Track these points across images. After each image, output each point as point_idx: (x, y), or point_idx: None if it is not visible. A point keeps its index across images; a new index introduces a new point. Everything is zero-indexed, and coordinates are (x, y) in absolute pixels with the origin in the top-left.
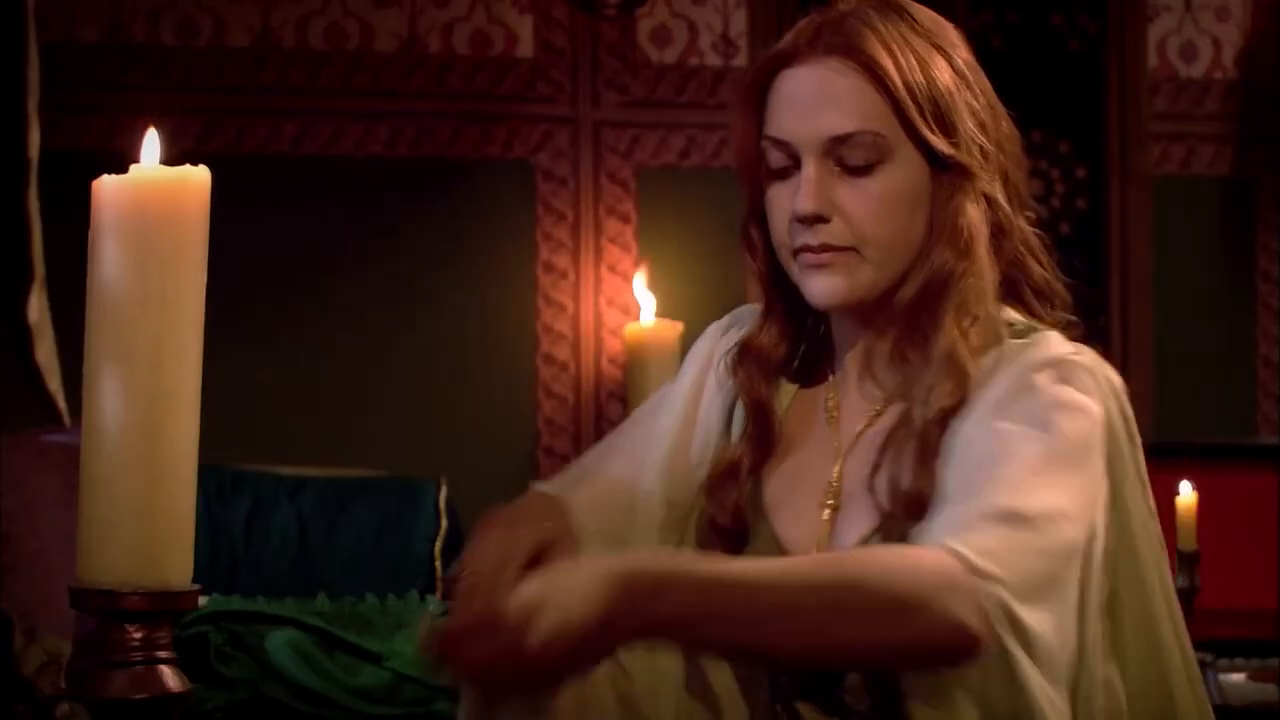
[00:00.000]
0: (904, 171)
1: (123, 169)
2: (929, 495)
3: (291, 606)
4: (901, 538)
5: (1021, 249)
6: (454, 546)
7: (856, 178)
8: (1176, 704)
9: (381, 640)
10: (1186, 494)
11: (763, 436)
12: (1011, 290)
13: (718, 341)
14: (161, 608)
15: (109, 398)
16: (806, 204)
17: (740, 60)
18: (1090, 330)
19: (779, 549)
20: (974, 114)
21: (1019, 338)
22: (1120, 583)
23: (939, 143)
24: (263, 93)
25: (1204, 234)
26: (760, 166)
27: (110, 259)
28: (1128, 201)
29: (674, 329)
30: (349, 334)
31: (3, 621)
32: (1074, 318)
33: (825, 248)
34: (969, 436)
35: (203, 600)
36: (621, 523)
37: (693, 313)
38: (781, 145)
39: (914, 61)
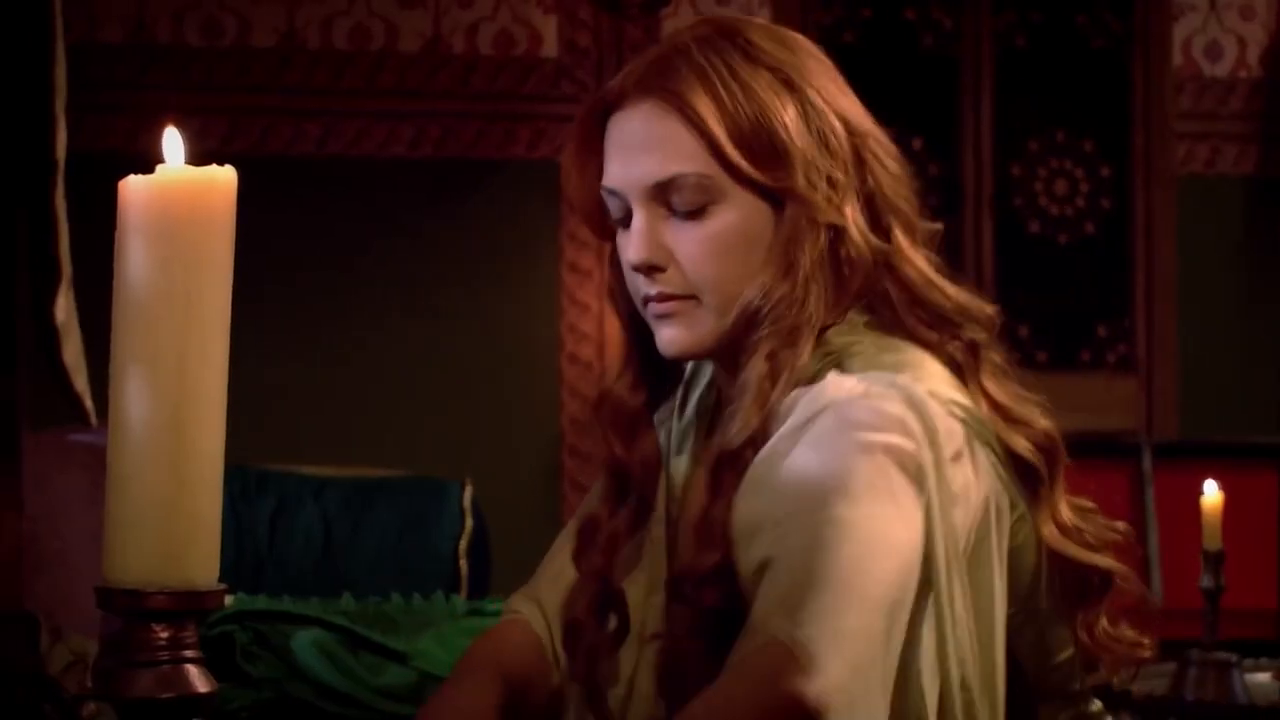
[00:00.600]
0: (737, 211)
1: (148, 169)
2: (717, 528)
3: (316, 606)
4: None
5: (903, 269)
6: (478, 546)
7: (687, 221)
8: None
9: (407, 640)
10: (1212, 493)
11: (621, 492)
12: (885, 313)
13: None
14: (187, 607)
15: (135, 397)
16: (636, 253)
17: None
18: (1112, 330)
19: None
20: (821, 140)
21: (835, 366)
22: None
23: (765, 179)
24: (287, 93)
25: (1229, 233)
26: (605, 213)
27: (136, 259)
28: (1152, 201)
29: None
30: (374, 334)
31: (28, 621)
32: (979, 336)
33: (664, 296)
34: (759, 480)
35: (228, 600)
36: None
37: None
38: (613, 194)
39: (737, 91)
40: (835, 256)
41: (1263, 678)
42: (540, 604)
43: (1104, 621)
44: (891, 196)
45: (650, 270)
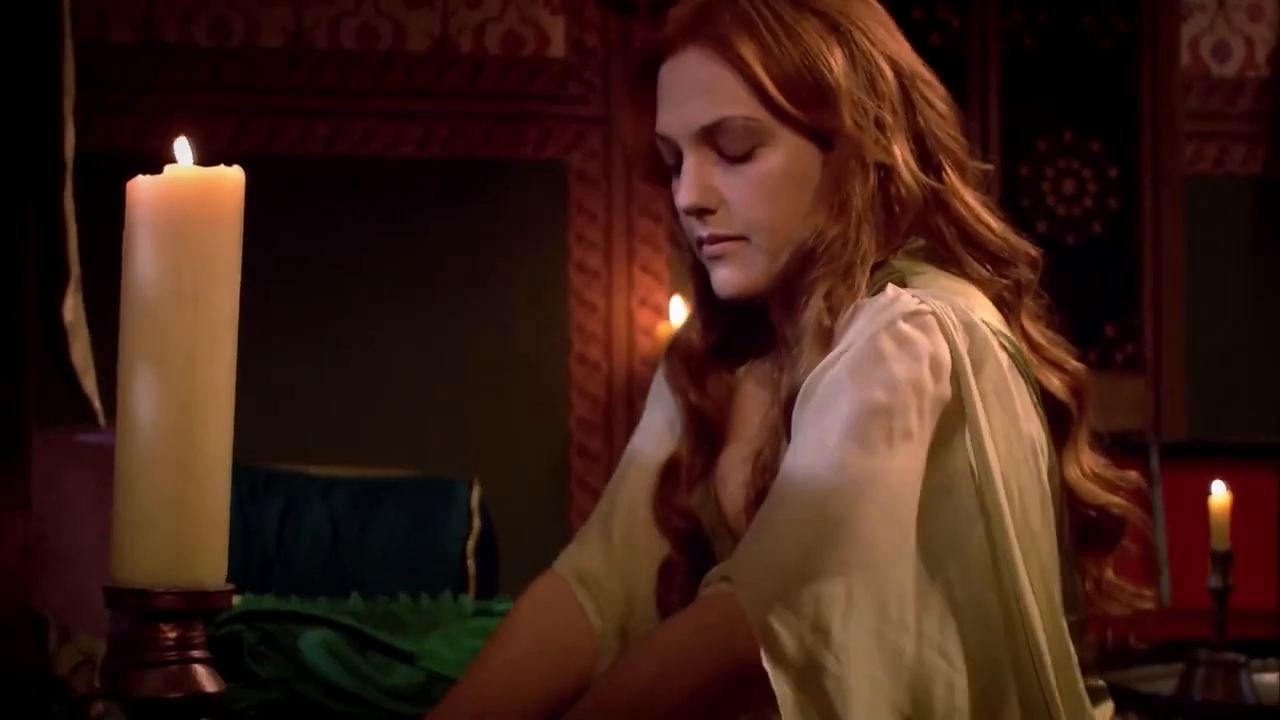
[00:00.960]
0: (785, 153)
1: (156, 169)
2: None
3: (324, 606)
4: None
5: (955, 206)
6: (486, 547)
7: (736, 164)
8: (1003, 676)
9: (415, 640)
10: (1220, 494)
11: (700, 434)
12: (938, 249)
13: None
14: (195, 607)
15: (143, 397)
16: (686, 196)
17: None
18: (1120, 330)
19: (726, 532)
20: (868, 81)
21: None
22: (936, 536)
23: (811, 120)
24: (295, 93)
25: (1236, 233)
26: (659, 161)
27: (144, 259)
28: (1160, 201)
29: None
30: (381, 334)
31: (37, 621)
32: (1025, 276)
33: (715, 238)
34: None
35: (236, 600)
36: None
37: None
38: (665, 140)
39: (780, 33)
40: (885, 195)
41: (1270, 678)
42: (577, 564)
43: (1109, 571)
44: (941, 136)
45: (700, 213)
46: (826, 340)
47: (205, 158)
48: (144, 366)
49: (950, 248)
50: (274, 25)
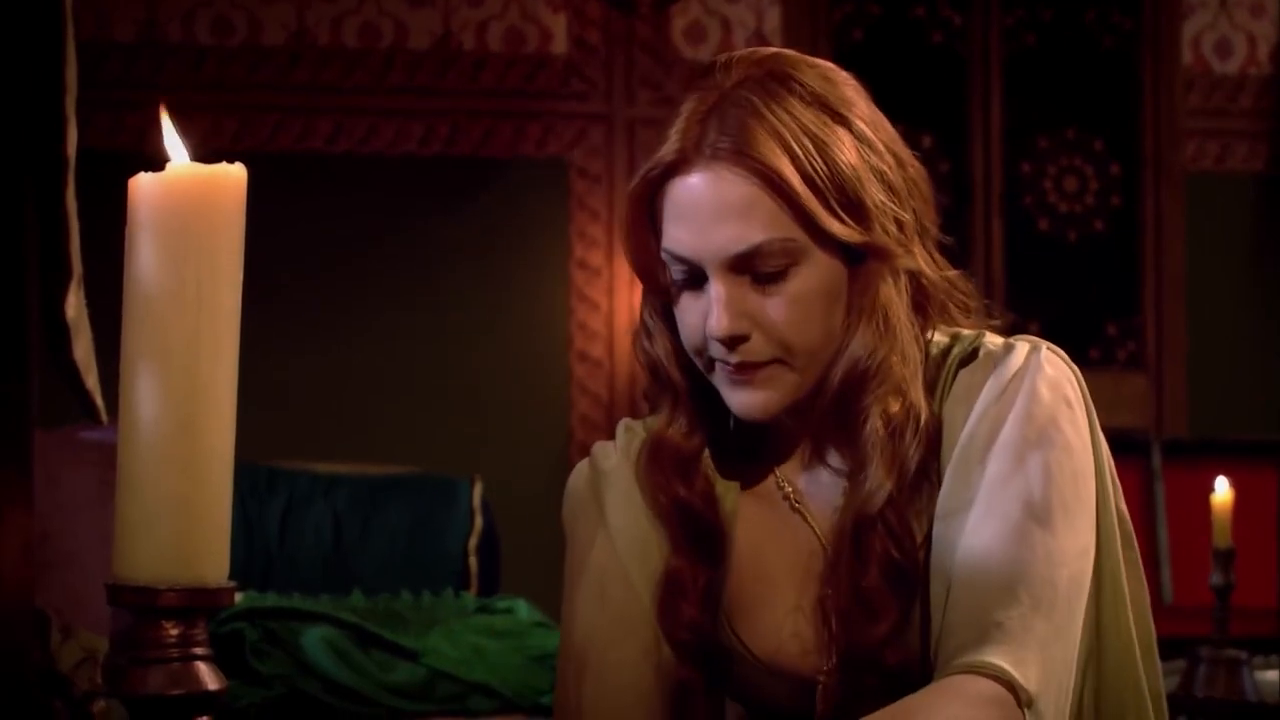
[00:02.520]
0: (819, 270)
1: (158, 166)
2: (877, 595)
3: (327, 603)
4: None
5: (945, 298)
6: (488, 544)
7: (770, 285)
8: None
9: (417, 637)
10: (1222, 491)
11: (696, 539)
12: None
13: (596, 490)
14: (198, 604)
15: (145, 395)
16: (722, 326)
17: None
18: (1122, 328)
19: (753, 662)
20: (883, 181)
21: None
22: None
23: (850, 234)
24: (297, 90)
25: (1238, 230)
26: (663, 271)
27: (146, 257)
28: (1162, 198)
29: None
30: (383, 331)
31: (39, 618)
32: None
33: (747, 366)
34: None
35: (238, 597)
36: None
37: None
38: (682, 261)
39: (810, 146)
40: (915, 295)
41: (1272, 675)
42: None
43: None
44: (927, 223)
45: (734, 341)
46: (892, 460)
47: (207, 155)
48: (146, 364)
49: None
50: (276, 23)
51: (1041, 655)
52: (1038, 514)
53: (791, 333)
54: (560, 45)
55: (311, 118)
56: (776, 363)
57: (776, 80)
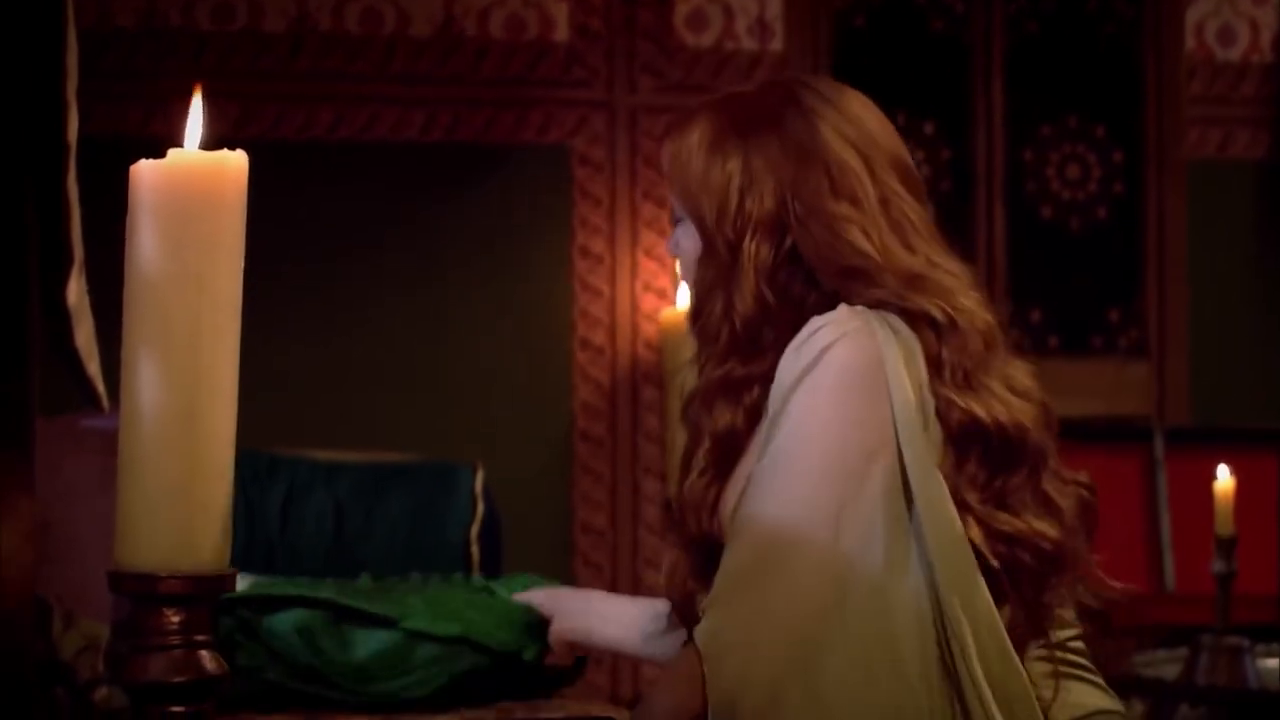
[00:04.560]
0: (689, 235)
1: (159, 153)
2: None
3: (304, 585)
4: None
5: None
6: (490, 532)
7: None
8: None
9: (395, 605)
10: (1224, 478)
11: None
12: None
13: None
14: (199, 591)
15: (147, 382)
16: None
17: (776, 44)
18: (1124, 315)
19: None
20: (741, 200)
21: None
22: None
23: (699, 223)
24: (298, 78)
25: (1240, 218)
26: None
27: (148, 243)
28: (1164, 185)
29: None
30: (385, 318)
31: (41, 606)
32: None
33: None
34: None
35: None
36: None
37: None
38: None
39: (692, 157)
40: (729, 294)
41: (1274, 663)
42: None
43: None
44: (823, 246)
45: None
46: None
47: (210, 142)
48: (147, 351)
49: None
50: (277, 9)
51: (728, 612)
52: (757, 480)
53: (682, 271)
54: (562, 32)
55: (313, 105)
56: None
57: (721, 103)
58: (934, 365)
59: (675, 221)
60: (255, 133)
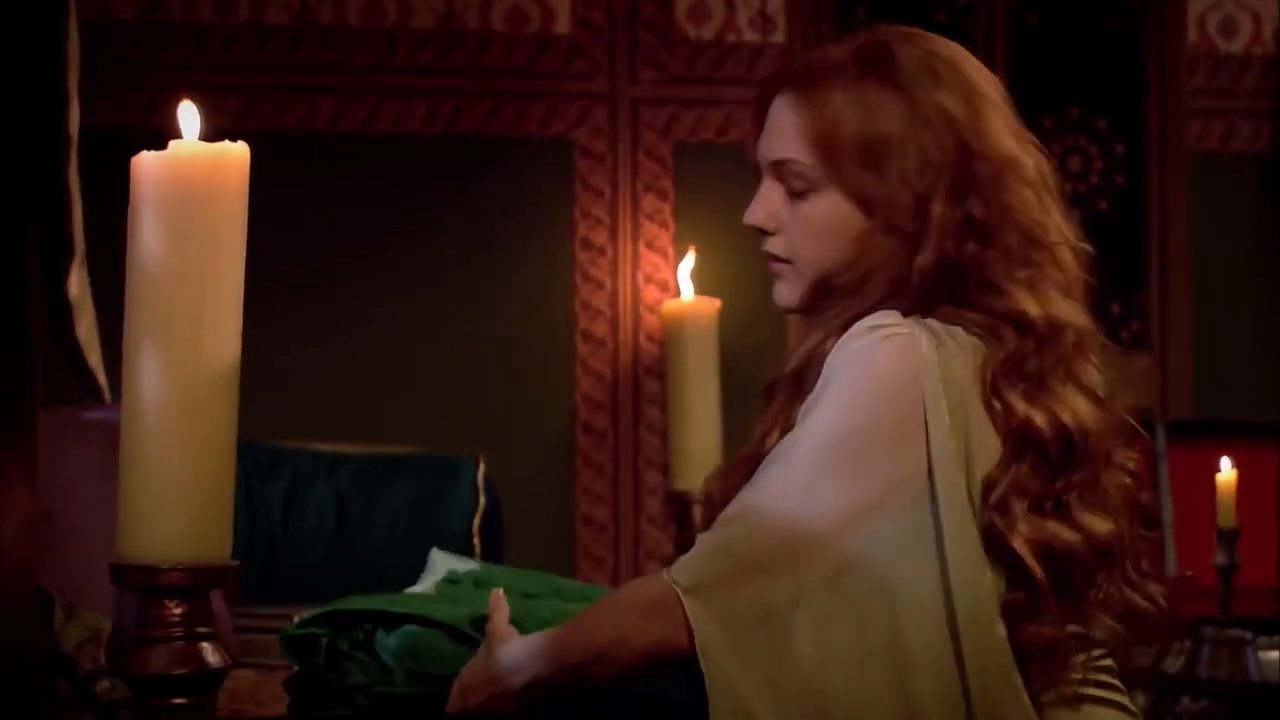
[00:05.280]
0: (830, 202)
1: (162, 146)
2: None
3: (416, 601)
4: None
5: (966, 278)
6: (492, 524)
7: (795, 200)
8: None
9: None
10: (1226, 471)
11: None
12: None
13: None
14: (201, 583)
15: (148, 374)
16: (749, 215)
17: (778, 36)
18: (1126, 308)
19: None
20: (921, 161)
21: None
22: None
23: (861, 182)
24: (300, 69)
25: (1243, 210)
26: None
27: (149, 235)
28: (1166, 178)
29: (711, 305)
30: (386, 310)
31: (43, 598)
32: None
33: (770, 256)
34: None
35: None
36: None
37: (730, 289)
38: (754, 163)
39: (853, 108)
40: (909, 262)
41: (1276, 655)
42: None
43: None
44: (998, 220)
45: (759, 232)
46: (804, 356)
47: (211, 134)
48: (149, 342)
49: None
50: (279, 2)
51: (712, 558)
52: (785, 454)
53: (799, 244)
54: (564, 25)
55: (315, 97)
56: (790, 264)
57: (870, 53)
58: (1005, 365)
59: (795, 191)
60: (256, 125)
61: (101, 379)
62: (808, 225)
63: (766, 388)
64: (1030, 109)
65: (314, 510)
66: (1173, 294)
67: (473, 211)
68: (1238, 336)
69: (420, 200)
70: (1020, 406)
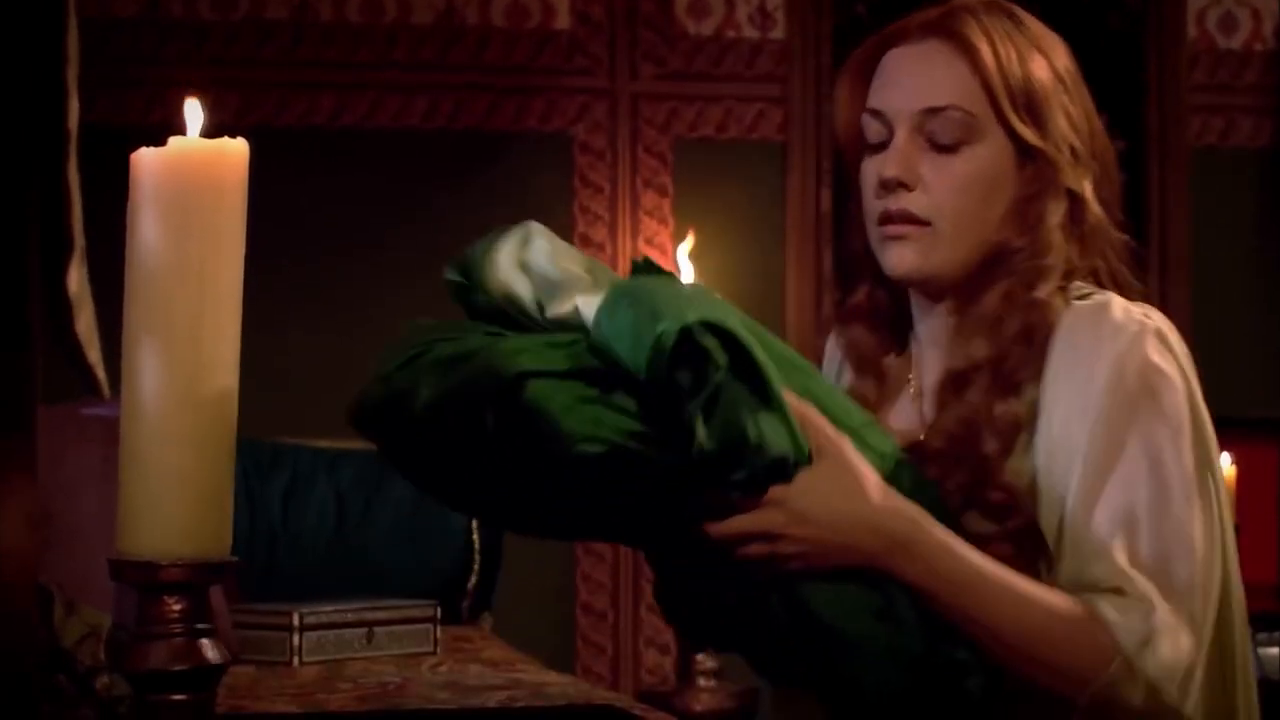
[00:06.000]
0: (989, 155)
1: (161, 142)
2: (992, 432)
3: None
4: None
5: (1106, 249)
6: None
7: (943, 154)
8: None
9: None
10: (1226, 468)
11: (876, 384)
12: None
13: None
14: (200, 579)
15: (148, 370)
16: (891, 168)
17: (778, 33)
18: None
19: None
20: (1067, 115)
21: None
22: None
23: (1026, 131)
24: (300, 66)
25: (1243, 206)
26: (860, 142)
27: (149, 231)
28: (1166, 174)
29: None
30: (386, 307)
31: (42, 594)
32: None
33: (904, 215)
34: (1065, 428)
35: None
36: None
37: (729, 284)
38: (879, 116)
39: (1012, 53)
40: (1075, 222)
41: (1275, 652)
42: None
43: None
44: (1107, 186)
45: (899, 185)
46: (995, 336)
47: (211, 130)
48: (149, 339)
49: (1099, 281)
50: None
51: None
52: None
53: (948, 201)
54: (563, 20)
55: (315, 93)
56: (927, 226)
57: (999, 8)
58: None
59: (944, 144)
60: (256, 120)
61: (101, 375)
62: (962, 179)
63: (955, 376)
64: None
65: (314, 507)
66: (1173, 291)
67: (472, 207)
68: (1238, 333)
69: (420, 196)
70: None
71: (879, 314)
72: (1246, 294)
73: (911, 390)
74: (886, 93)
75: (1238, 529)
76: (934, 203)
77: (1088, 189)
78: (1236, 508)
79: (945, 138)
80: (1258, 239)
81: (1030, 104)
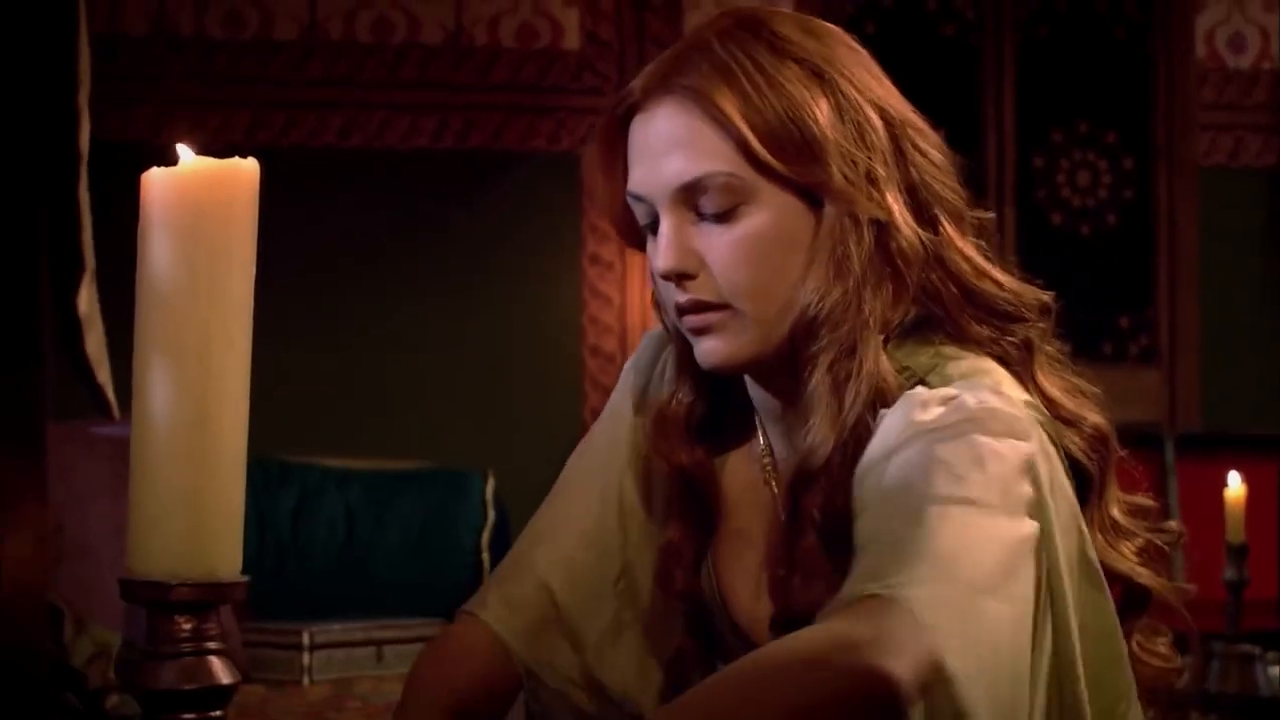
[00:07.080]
0: (770, 212)
1: (170, 161)
2: (816, 558)
3: None
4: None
5: (954, 261)
6: (501, 538)
7: (719, 224)
8: None
9: None
10: (1235, 485)
11: (693, 508)
12: (935, 312)
13: (636, 382)
14: (211, 599)
15: (158, 390)
16: (664, 260)
17: None
18: (1135, 322)
19: (736, 632)
20: (856, 131)
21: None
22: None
23: (797, 175)
24: (309, 85)
25: (1251, 224)
26: (636, 222)
27: (159, 251)
28: (1175, 192)
29: None
30: (396, 326)
31: (53, 612)
32: (1035, 329)
33: (697, 305)
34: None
35: None
36: (597, 577)
37: None
38: (639, 200)
39: (761, 85)
40: (886, 252)
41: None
42: (510, 602)
43: (1138, 637)
44: (935, 186)
45: (680, 278)
46: (833, 418)
47: (220, 149)
48: (159, 359)
49: (949, 309)
50: (288, 17)
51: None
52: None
53: (738, 275)
54: (573, 40)
55: (324, 112)
56: (729, 309)
57: (745, 28)
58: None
59: (715, 214)
60: (266, 139)
61: (110, 394)
62: (747, 248)
63: (792, 482)
64: (1039, 122)
65: (323, 524)
66: (1181, 308)
67: (481, 226)
68: (1246, 350)
69: (428, 215)
70: (1090, 418)
71: (698, 412)
72: (1255, 312)
73: (764, 479)
74: (638, 173)
75: (1247, 548)
76: (725, 282)
77: (893, 207)
78: (1247, 526)
79: (712, 207)
80: (1266, 257)
81: (799, 141)
